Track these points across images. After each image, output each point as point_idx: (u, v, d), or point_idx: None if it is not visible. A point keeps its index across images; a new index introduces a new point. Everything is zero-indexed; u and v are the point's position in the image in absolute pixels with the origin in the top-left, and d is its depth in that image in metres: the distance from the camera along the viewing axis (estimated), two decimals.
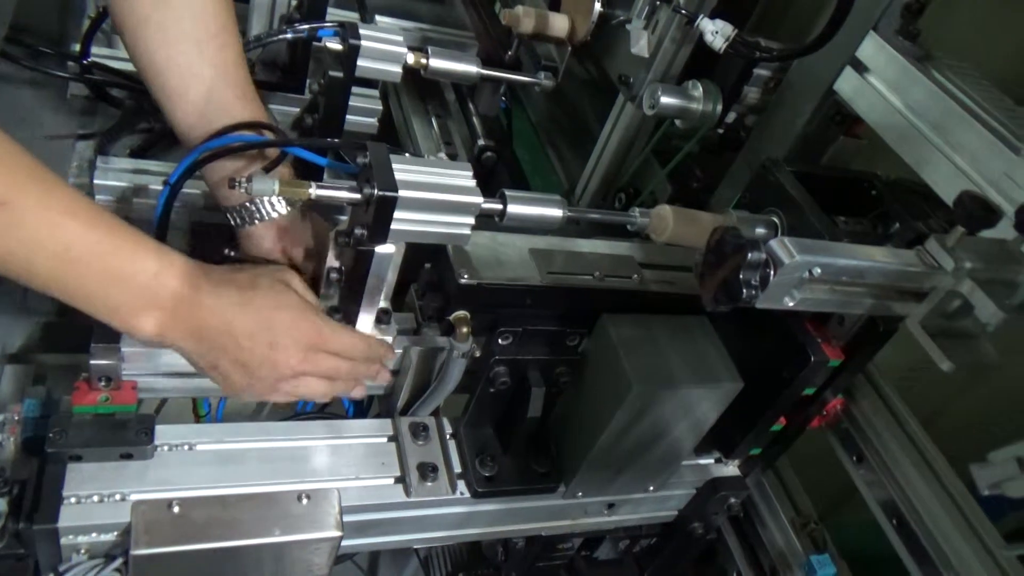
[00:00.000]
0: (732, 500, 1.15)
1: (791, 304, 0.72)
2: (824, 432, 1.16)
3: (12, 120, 1.12)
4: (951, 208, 0.96)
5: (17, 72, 1.14)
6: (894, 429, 1.07)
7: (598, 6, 1.33)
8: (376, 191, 0.80)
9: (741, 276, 0.67)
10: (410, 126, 1.45)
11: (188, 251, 0.81)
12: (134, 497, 0.82)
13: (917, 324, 0.71)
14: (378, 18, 1.49)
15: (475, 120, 1.44)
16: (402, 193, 0.81)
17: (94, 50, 1.19)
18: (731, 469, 1.17)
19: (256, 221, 0.93)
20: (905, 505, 1.05)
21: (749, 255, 0.67)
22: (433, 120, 1.47)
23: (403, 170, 0.83)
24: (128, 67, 1.20)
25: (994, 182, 0.92)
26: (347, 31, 1.05)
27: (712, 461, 1.17)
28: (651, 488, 1.11)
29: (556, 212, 0.95)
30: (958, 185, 0.95)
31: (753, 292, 0.68)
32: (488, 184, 0.89)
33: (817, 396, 1.04)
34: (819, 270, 0.70)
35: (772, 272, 0.68)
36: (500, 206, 0.92)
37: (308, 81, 1.29)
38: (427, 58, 1.18)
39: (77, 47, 1.18)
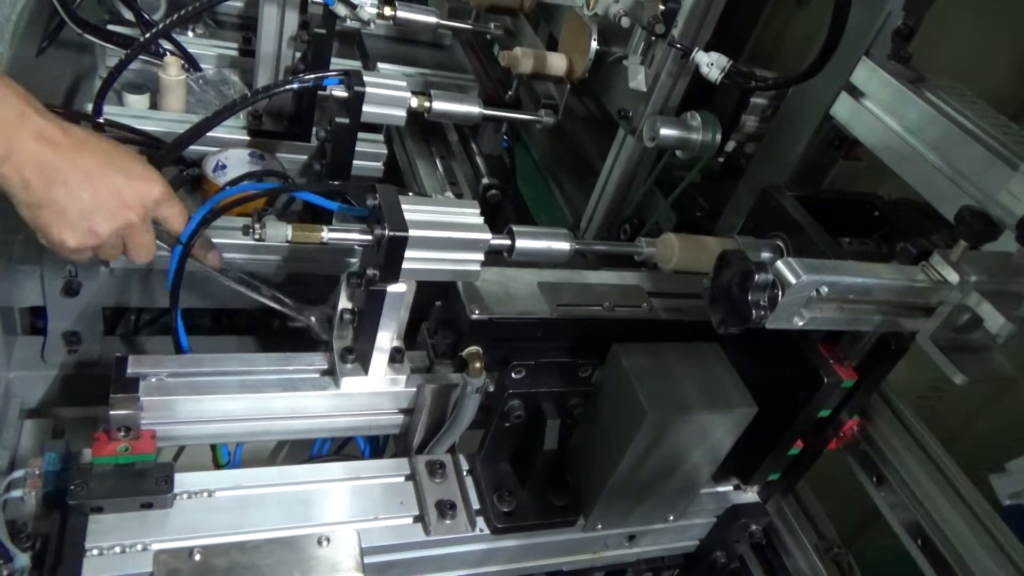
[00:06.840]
0: (753, 527, 1.14)
1: (800, 324, 0.73)
2: (842, 454, 1.15)
3: None
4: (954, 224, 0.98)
5: None
6: (913, 448, 1.06)
7: (595, 44, 1.37)
8: (387, 231, 0.82)
9: (750, 298, 0.68)
10: (415, 168, 1.47)
11: None
12: (155, 547, 0.83)
13: (928, 339, 0.71)
14: (380, 65, 1.53)
15: (478, 159, 1.46)
16: (412, 232, 0.83)
17: (106, 108, 1.22)
18: (750, 496, 1.16)
19: None
20: (929, 525, 1.03)
21: (756, 276, 0.68)
22: (437, 161, 1.49)
23: (412, 210, 0.85)
24: (140, 123, 1.24)
25: (994, 198, 0.93)
26: (352, 79, 1.08)
27: (731, 488, 1.16)
28: (671, 518, 1.10)
29: (564, 245, 0.96)
30: (960, 202, 0.96)
31: (762, 313, 0.69)
32: (494, 221, 0.92)
33: (833, 417, 1.04)
34: (826, 289, 0.71)
35: (780, 293, 0.69)
36: (508, 242, 0.93)
37: (315, 129, 1.32)
38: (430, 101, 1.21)
39: (90, 106, 1.21)
